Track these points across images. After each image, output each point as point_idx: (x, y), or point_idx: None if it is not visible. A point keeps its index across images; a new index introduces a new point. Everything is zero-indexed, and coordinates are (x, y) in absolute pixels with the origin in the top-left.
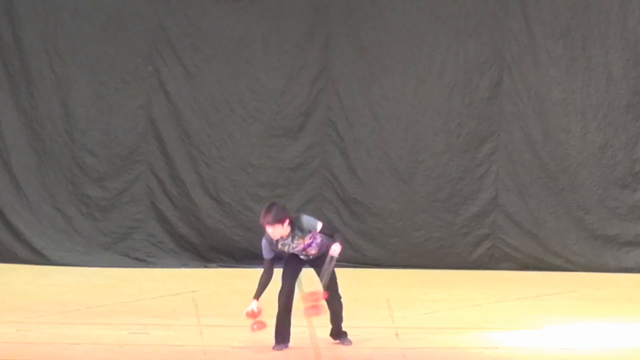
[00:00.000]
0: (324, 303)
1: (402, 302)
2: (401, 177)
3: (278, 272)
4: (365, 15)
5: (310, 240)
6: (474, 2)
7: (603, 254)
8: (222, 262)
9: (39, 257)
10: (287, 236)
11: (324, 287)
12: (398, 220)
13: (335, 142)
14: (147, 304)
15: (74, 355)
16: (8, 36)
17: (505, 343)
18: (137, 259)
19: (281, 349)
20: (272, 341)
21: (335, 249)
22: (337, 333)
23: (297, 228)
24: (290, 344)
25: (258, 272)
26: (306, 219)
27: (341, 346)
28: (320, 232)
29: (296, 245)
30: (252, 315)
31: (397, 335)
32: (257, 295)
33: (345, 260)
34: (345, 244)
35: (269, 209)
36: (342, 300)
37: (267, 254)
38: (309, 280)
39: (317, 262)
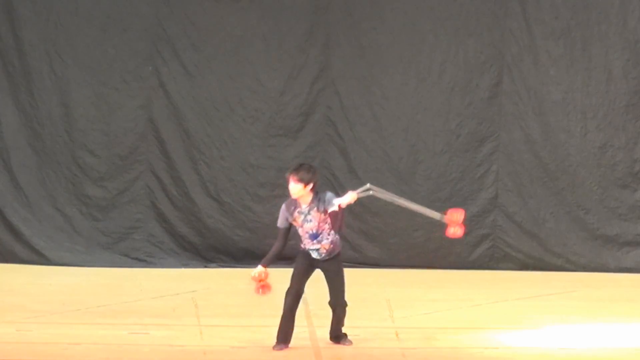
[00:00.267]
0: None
1: (402, 302)
2: (401, 177)
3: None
4: (365, 15)
5: (326, 226)
6: (474, 2)
7: (603, 254)
8: (222, 262)
9: (39, 257)
10: (307, 205)
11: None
12: (398, 220)
13: (335, 142)
14: (147, 304)
15: (74, 355)
16: (8, 36)
17: (505, 343)
18: (137, 259)
19: (281, 349)
20: (273, 341)
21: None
22: (337, 337)
23: (318, 199)
24: (291, 344)
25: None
26: (330, 195)
27: (341, 346)
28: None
29: (311, 219)
30: (258, 278)
31: (397, 335)
32: (265, 262)
33: (346, 260)
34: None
35: (300, 166)
36: (346, 307)
37: (282, 222)
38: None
39: (328, 265)
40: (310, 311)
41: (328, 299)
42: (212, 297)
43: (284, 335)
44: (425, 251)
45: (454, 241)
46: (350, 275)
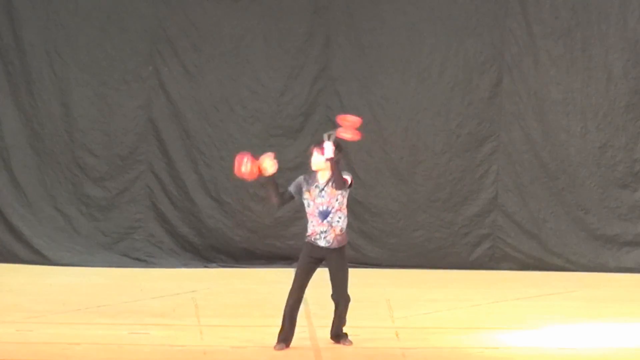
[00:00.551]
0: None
1: (402, 302)
2: (401, 177)
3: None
4: (365, 15)
5: (337, 204)
6: (474, 2)
7: (603, 254)
8: (222, 262)
9: (39, 257)
10: (325, 180)
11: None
12: (398, 220)
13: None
14: (147, 304)
15: (74, 355)
16: (8, 36)
17: (505, 343)
18: (137, 259)
19: (282, 349)
20: (273, 341)
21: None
22: (337, 335)
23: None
24: (291, 344)
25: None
26: (347, 172)
27: (341, 346)
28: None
29: (324, 195)
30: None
31: (397, 335)
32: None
33: None
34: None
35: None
36: (349, 302)
37: (292, 187)
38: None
39: (333, 257)
40: (310, 311)
41: (328, 299)
42: (212, 297)
43: (285, 335)
44: (425, 251)
45: (454, 241)
46: (350, 275)
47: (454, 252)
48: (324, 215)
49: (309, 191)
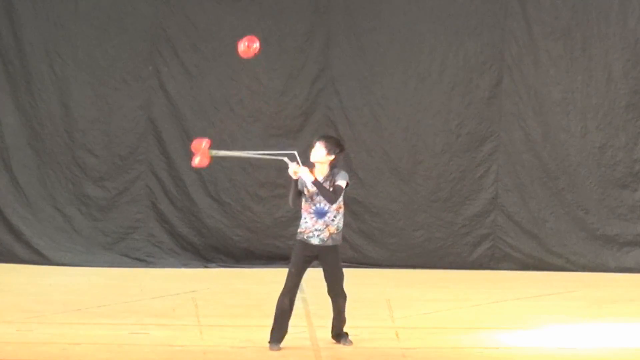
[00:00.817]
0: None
1: (402, 302)
2: (401, 177)
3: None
4: (365, 15)
5: (336, 205)
6: (474, 2)
7: (603, 254)
8: (222, 262)
9: (39, 257)
10: (322, 177)
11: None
12: (398, 220)
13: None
14: (147, 304)
15: (74, 355)
16: (8, 36)
17: (505, 343)
18: (137, 259)
19: (279, 349)
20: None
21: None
22: (338, 335)
23: (333, 173)
24: (291, 344)
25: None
26: (344, 173)
27: (341, 346)
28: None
29: None
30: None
31: (397, 335)
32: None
33: (345, 260)
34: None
35: (330, 136)
36: (346, 298)
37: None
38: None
39: (327, 255)
40: (310, 311)
41: (327, 299)
42: (212, 297)
43: (280, 335)
44: (425, 251)
45: (454, 241)
46: (350, 275)
47: (454, 252)
48: (321, 213)
49: (306, 186)
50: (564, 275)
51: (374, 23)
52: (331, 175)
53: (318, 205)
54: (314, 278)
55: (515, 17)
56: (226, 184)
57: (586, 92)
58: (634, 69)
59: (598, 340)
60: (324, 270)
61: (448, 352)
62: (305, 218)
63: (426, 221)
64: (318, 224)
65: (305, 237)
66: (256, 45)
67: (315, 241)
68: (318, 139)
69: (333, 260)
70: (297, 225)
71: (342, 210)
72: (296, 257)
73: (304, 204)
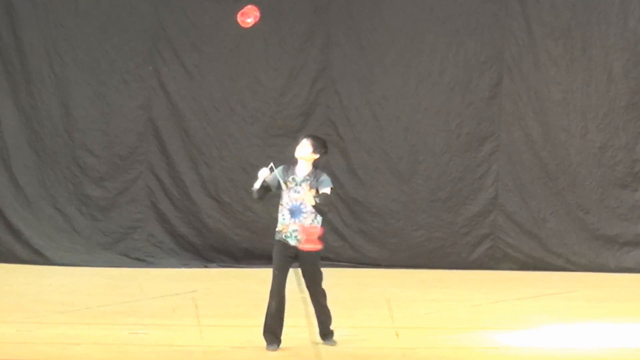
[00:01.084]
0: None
1: (402, 302)
2: (401, 177)
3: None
4: (365, 15)
5: (310, 207)
6: (474, 2)
7: (603, 254)
8: (222, 262)
9: (39, 257)
10: (303, 175)
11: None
12: (398, 220)
13: (335, 142)
14: (147, 304)
15: (74, 355)
16: (8, 36)
17: (505, 343)
18: (137, 259)
19: (276, 349)
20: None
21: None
22: (325, 334)
23: (315, 175)
24: (291, 344)
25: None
26: (328, 179)
27: (341, 346)
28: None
29: (300, 190)
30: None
31: (397, 335)
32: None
33: (346, 260)
34: (326, 207)
35: (317, 136)
36: (326, 295)
37: (270, 178)
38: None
39: (307, 257)
40: (310, 311)
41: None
42: (212, 297)
43: (275, 335)
44: (425, 251)
45: (454, 241)
46: (351, 275)
47: (454, 252)
48: (294, 212)
49: (285, 182)
50: (564, 275)
51: (374, 23)
52: (314, 175)
53: (294, 202)
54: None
55: (515, 17)
56: (226, 184)
57: (586, 92)
58: (634, 69)
59: (598, 340)
60: (302, 270)
61: (448, 352)
62: (282, 214)
63: (426, 221)
64: (292, 223)
65: (283, 236)
66: (250, 19)
67: (292, 242)
68: (306, 137)
69: (311, 261)
70: None
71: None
72: (277, 258)
73: (281, 200)
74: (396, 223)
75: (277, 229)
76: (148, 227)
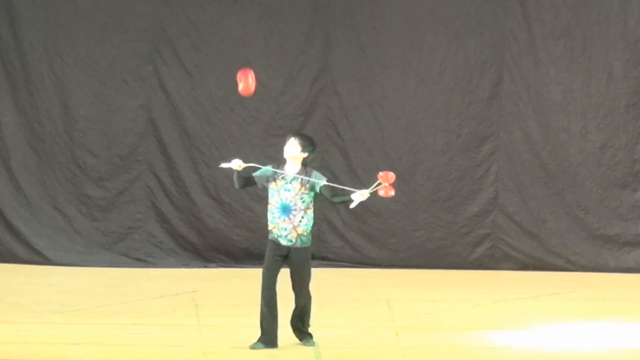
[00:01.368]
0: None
1: (402, 302)
2: (401, 177)
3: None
4: (365, 15)
5: (301, 204)
6: (473, 2)
7: (603, 254)
8: (222, 262)
9: (39, 257)
10: (296, 172)
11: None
12: (398, 220)
13: (335, 142)
14: (147, 304)
15: (74, 355)
16: (8, 36)
17: (505, 343)
18: (137, 259)
19: (261, 348)
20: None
21: (361, 194)
22: (301, 333)
23: (305, 172)
24: (291, 344)
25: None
26: (317, 173)
27: (341, 346)
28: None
29: (290, 188)
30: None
31: (397, 335)
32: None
33: (346, 260)
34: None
35: (304, 134)
36: (311, 299)
37: (258, 173)
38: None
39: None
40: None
41: (328, 299)
42: (212, 297)
43: (268, 338)
44: (425, 251)
45: (454, 241)
46: (351, 275)
47: (454, 252)
48: (285, 210)
49: (275, 181)
50: (564, 275)
51: (374, 23)
52: (304, 173)
53: (284, 201)
54: (313, 278)
55: (515, 17)
56: (226, 184)
57: (586, 92)
58: (634, 69)
59: (598, 340)
60: (290, 270)
61: (448, 352)
62: (272, 213)
63: (426, 221)
64: (285, 223)
65: (275, 236)
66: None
67: (284, 242)
68: (293, 135)
69: (300, 261)
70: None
71: (310, 212)
72: (267, 257)
73: (270, 199)
74: (396, 223)
75: (268, 229)
76: (148, 227)
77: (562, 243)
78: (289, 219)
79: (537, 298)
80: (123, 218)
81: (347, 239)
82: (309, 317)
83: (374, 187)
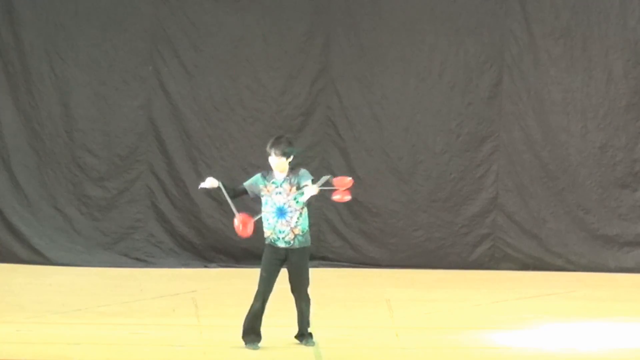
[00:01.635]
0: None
1: (402, 302)
2: (401, 177)
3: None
4: (365, 15)
5: (295, 205)
6: (473, 2)
7: (603, 254)
8: (222, 262)
9: (39, 257)
10: (282, 177)
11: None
12: (398, 220)
13: (335, 142)
14: (147, 304)
15: (74, 355)
16: (8, 36)
17: (505, 343)
18: (137, 259)
19: (257, 348)
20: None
21: (312, 188)
22: (302, 335)
23: (293, 173)
24: (291, 344)
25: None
26: (304, 171)
27: (341, 346)
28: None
29: (281, 192)
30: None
31: (397, 335)
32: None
33: (346, 260)
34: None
35: (278, 140)
36: (310, 302)
37: (247, 182)
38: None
39: (295, 257)
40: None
41: (327, 299)
42: (212, 297)
43: (256, 333)
44: (425, 251)
45: (454, 241)
46: (351, 275)
47: (454, 252)
48: (281, 212)
49: (266, 187)
50: (564, 275)
51: (374, 23)
52: (291, 174)
53: (278, 204)
54: (313, 278)
55: (515, 17)
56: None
57: (586, 92)
58: (634, 69)
59: (598, 340)
60: (288, 272)
61: (448, 352)
62: (267, 220)
63: (426, 221)
64: (282, 226)
65: (272, 240)
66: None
67: (281, 244)
68: (273, 151)
69: (299, 262)
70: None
71: (305, 211)
72: (265, 260)
73: (264, 206)
74: (396, 223)
75: (265, 235)
76: (148, 227)
77: (562, 243)
78: (286, 221)
79: (537, 298)
80: (123, 218)
81: (347, 238)
82: (307, 321)
83: (322, 183)
